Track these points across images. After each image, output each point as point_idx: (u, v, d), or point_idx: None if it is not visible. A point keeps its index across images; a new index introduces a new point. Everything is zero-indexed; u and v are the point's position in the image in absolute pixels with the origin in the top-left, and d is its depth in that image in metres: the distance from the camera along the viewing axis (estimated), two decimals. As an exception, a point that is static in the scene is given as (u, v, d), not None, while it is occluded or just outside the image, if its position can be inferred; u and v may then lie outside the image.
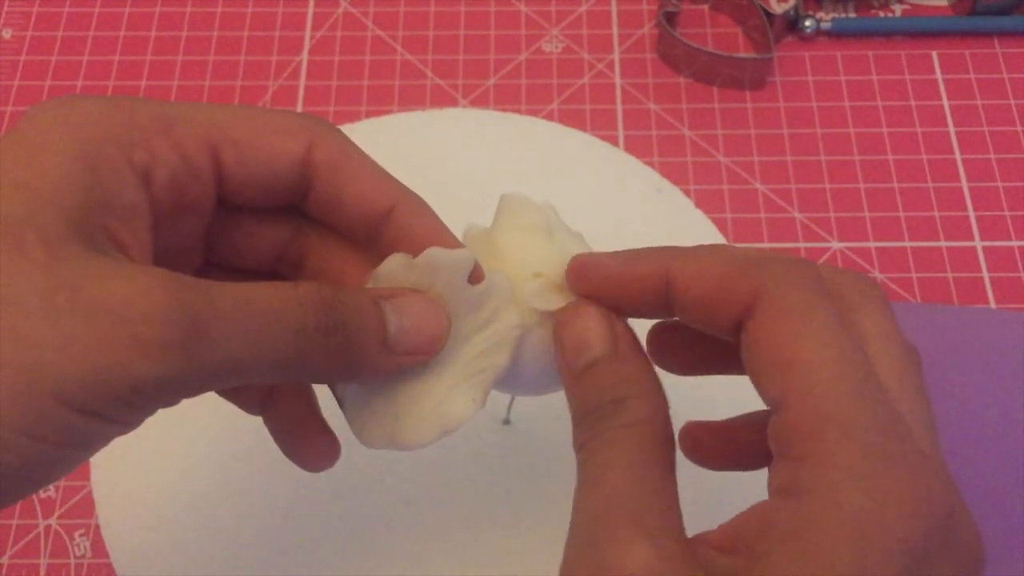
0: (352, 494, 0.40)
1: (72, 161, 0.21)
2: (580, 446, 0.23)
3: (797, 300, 0.22)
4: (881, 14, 0.54)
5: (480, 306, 0.25)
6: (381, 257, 0.26)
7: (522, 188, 0.28)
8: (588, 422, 0.23)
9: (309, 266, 0.27)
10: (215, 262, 0.27)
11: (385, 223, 0.26)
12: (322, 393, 0.28)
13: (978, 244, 0.47)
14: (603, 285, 0.25)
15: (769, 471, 0.21)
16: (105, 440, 0.21)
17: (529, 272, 0.26)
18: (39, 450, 0.20)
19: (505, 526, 0.39)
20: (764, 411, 0.27)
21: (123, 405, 0.20)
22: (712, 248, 0.24)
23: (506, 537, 0.39)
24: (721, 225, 0.47)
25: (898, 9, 0.54)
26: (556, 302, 0.26)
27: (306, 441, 0.28)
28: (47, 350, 0.19)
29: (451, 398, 0.26)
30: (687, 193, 0.48)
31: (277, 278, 0.28)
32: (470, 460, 0.40)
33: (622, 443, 0.22)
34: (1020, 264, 0.46)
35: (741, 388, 0.27)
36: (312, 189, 0.25)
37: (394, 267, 0.25)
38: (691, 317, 0.24)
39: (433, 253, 0.25)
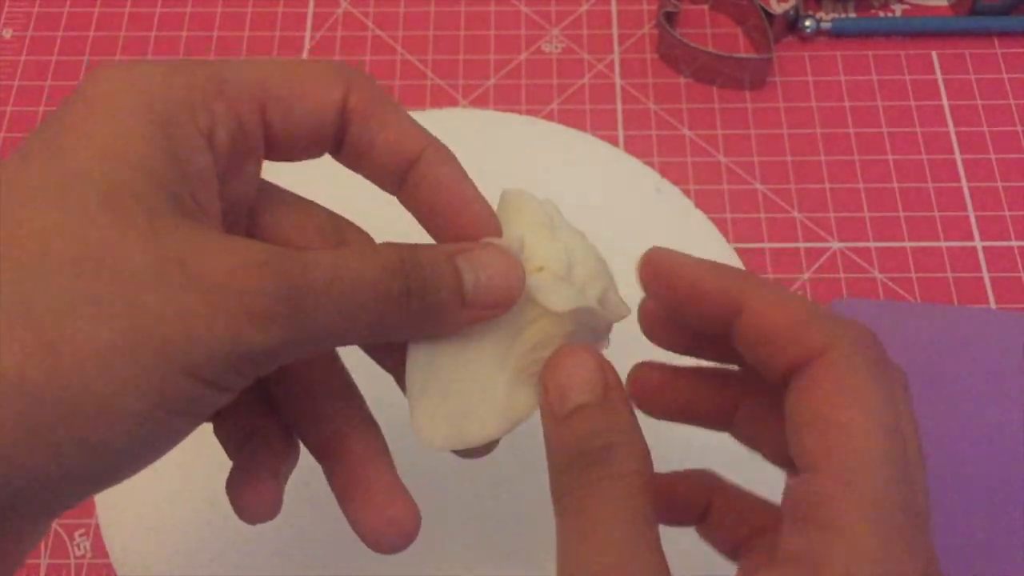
0: (352, 494, 0.40)
1: (149, 126, 0.22)
2: (563, 493, 0.23)
3: (863, 369, 0.21)
4: (881, 14, 0.54)
5: (531, 299, 0.25)
6: (405, 203, 0.26)
7: (522, 188, 0.28)
8: (574, 469, 0.22)
9: None
10: None
11: (412, 169, 0.26)
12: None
13: (978, 244, 0.47)
14: (676, 283, 0.24)
15: (781, 533, 0.21)
16: (215, 409, 0.22)
17: (532, 266, 0.26)
18: (170, 423, 0.21)
19: (505, 526, 0.39)
20: (719, 368, 0.27)
21: (236, 374, 0.21)
22: (786, 290, 0.24)
23: (506, 537, 0.39)
24: (721, 225, 0.47)
25: (898, 9, 0.54)
26: (560, 298, 0.26)
27: (376, 497, 0.28)
28: (171, 325, 0.20)
29: (516, 390, 0.26)
30: (687, 193, 0.48)
31: None
32: (470, 459, 0.40)
33: (612, 494, 0.22)
34: (1020, 264, 0.46)
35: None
36: (347, 134, 0.26)
37: None
38: (750, 348, 0.23)
39: (487, 242, 0.25)
